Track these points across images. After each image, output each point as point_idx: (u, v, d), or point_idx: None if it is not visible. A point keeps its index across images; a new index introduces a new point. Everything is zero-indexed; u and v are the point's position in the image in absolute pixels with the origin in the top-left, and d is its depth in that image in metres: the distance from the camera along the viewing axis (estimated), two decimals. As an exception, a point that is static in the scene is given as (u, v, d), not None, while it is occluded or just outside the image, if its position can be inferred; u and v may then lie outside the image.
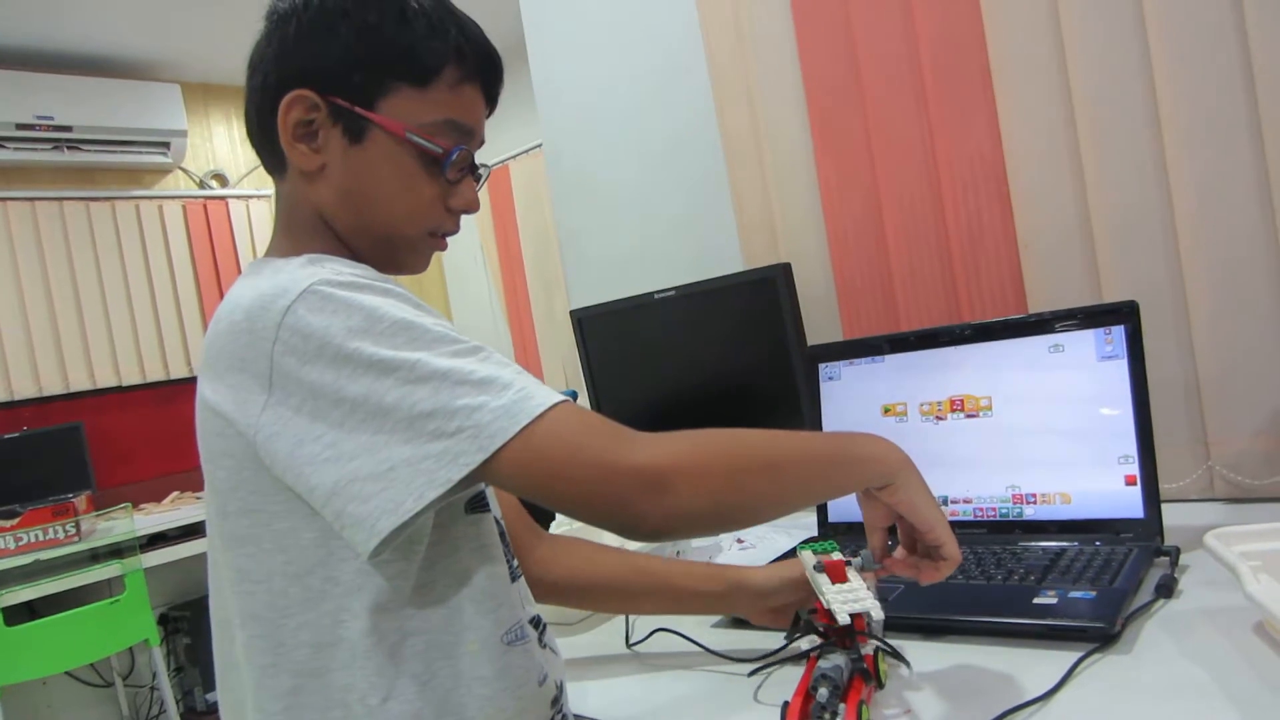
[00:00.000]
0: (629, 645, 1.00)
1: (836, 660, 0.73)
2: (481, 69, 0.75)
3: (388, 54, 0.70)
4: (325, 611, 0.65)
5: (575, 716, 0.83)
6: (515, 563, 0.76)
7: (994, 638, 0.85)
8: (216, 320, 0.67)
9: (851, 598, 0.72)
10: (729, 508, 0.65)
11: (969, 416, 1.13)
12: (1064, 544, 1.01)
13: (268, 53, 0.72)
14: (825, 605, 0.73)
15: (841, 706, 0.70)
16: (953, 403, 1.14)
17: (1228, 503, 1.16)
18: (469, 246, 4.40)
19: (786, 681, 0.83)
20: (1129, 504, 1.02)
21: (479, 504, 0.72)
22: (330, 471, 0.61)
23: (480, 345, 0.65)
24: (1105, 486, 1.03)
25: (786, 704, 0.71)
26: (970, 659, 0.81)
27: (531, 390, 0.62)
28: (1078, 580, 0.90)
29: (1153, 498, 1.01)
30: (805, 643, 0.82)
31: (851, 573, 0.77)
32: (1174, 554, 0.95)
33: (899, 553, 0.79)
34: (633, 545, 1.14)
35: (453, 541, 0.69)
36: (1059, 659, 0.77)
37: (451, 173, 0.73)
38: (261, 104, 0.73)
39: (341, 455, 0.61)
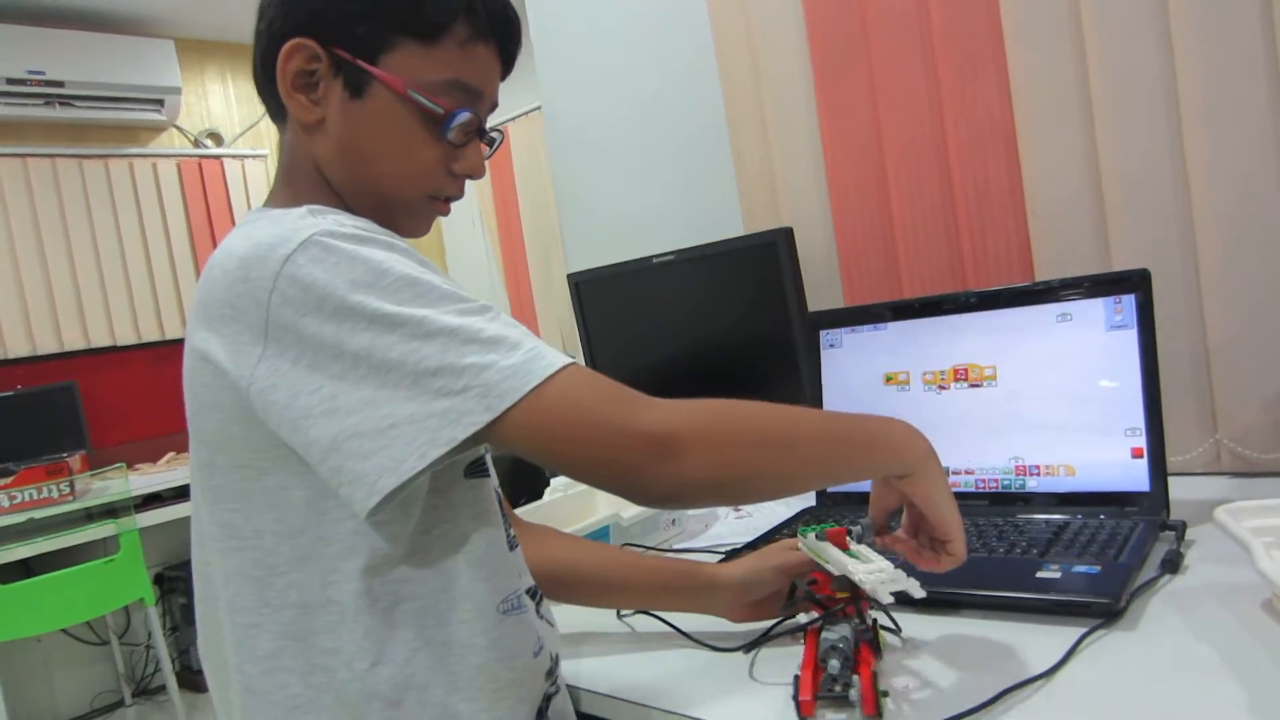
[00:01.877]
0: (619, 615, 0.99)
1: (842, 631, 0.72)
2: (495, 28, 0.71)
3: (393, 6, 0.68)
4: (315, 572, 0.63)
5: (569, 687, 0.82)
6: (513, 531, 0.74)
7: (996, 611, 0.83)
8: (209, 268, 0.64)
9: (885, 576, 0.70)
10: (739, 480, 0.63)
11: (973, 386, 1.11)
12: (1067, 517, 0.99)
13: None
14: (854, 579, 0.70)
15: (855, 678, 0.68)
16: (956, 372, 1.12)
17: (1234, 477, 1.14)
18: (467, 210, 4.35)
19: (780, 658, 0.81)
20: (1135, 477, 1.00)
21: (479, 468, 0.70)
22: (329, 426, 0.58)
23: (488, 305, 0.62)
24: (1111, 458, 1.01)
25: (797, 677, 0.69)
26: (971, 632, 0.80)
27: (541, 351, 0.60)
28: (1082, 554, 0.88)
29: (1159, 471, 0.98)
30: (803, 616, 0.80)
31: (853, 543, 0.75)
32: (1180, 528, 0.93)
33: (901, 534, 0.77)
34: (632, 510, 1.12)
35: (451, 506, 0.67)
36: (1062, 634, 0.76)
37: (454, 135, 0.71)
38: (266, 50, 0.70)
39: (340, 409, 0.58)
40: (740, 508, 1.32)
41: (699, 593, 0.88)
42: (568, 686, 0.81)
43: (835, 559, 0.73)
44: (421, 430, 0.57)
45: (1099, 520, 0.96)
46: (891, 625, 0.80)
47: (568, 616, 1.00)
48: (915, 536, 0.76)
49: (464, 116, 0.70)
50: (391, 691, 0.64)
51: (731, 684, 0.77)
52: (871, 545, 0.76)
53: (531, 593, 0.76)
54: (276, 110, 0.73)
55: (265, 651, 0.64)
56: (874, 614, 0.75)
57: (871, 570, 0.70)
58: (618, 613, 0.99)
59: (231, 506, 0.64)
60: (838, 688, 0.68)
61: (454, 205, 0.77)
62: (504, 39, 0.73)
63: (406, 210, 0.74)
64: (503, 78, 0.75)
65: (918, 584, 0.69)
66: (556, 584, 0.79)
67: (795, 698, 0.68)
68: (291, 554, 0.63)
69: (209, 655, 0.71)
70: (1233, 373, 1.12)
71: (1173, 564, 0.86)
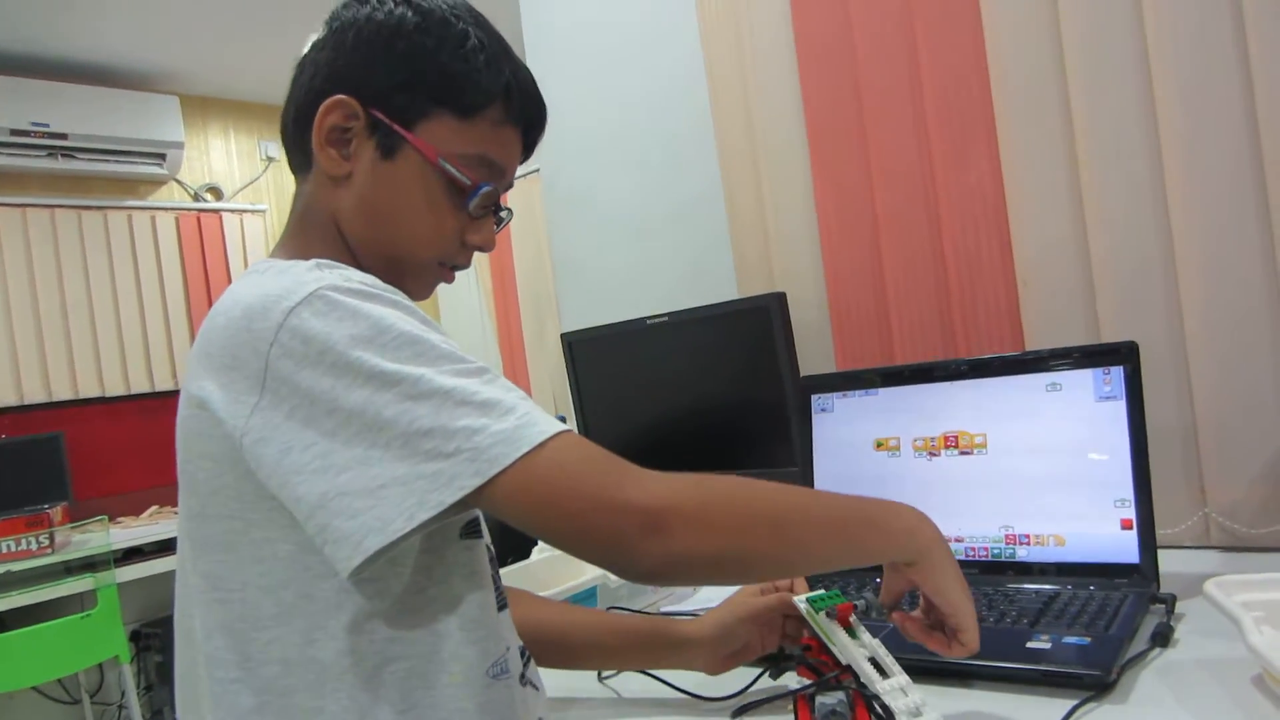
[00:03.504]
0: (600, 679, 0.97)
1: (838, 695, 0.71)
2: (526, 114, 0.75)
3: (438, 80, 0.70)
4: (298, 628, 0.62)
5: (550, 752, 0.80)
6: (503, 592, 0.74)
7: (985, 681, 0.82)
8: (213, 316, 0.65)
9: (911, 703, 0.68)
10: (729, 560, 0.62)
11: (963, 453, 1.11)
12: (1057, 587, 0.98)
13: (321, 56, 0.72)
14: (875, 691, 0.68)
15: None
16: (947, 439, 1.12)
17: (1223, 550, 1.14)
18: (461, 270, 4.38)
19: (771, 722, 0.80)
20: (1124, 548, 1.00)
21: (473, 529, 0.70)
22: (318, 483, 0.58)
23: (485, 367, 0.63)
24: (1100, 530, 1.01)
25: None
26: (960, 704, 0.79)
27: (535, 417, 0.60)
28: (1072, 625, 0.87)
29: (1149, 543, 0.99)
30: (793, 680, 0.79)
31: (854, 620, 0.75)
32: (1170, 601, 0.93)
33: (915, 614, 0.75)
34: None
35: (445, 566, 0.67)
36: (1053, 706, 0.75)
37: (475, 207, 0.73)
38: (303, 102, 0.72)
39: (331, 467, 0.58)
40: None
41: (674, 650, 0.87)
42: (552, 752, 0.79)
43: (846, 648, 0.71)
44: (410, 492, 0.57)
45: (1089, 591, 0.96)
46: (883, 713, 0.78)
47: (550, 680, 0.98)
48: (926, 614, 0.75)
49: (487, 189, 0.72)
50: None
51: (719, 752, 0.76)
52: (879, 619, 0.76)
53: (522, 653, 0.75)
54: (301, 161, 0.75)
55: (245, 708, 0.63)
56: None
57: (891, 689, 0.69)
58: (599, 675, 0.98)
59: (217, 558, 0.64)
60: None
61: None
62: (531, 125, 0.76)
63: (416, 273, 0.75)
64: (522, 161, 0.78)
65: (941, 717, 0.68)
66: (533, 647, 0.78)
67: None
68: (275, 609, 0.63)
69: (186, 713, 0.69)
70: (1221, 447, 1.13)
71: (1163, 637, 0.86)
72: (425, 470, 0.57)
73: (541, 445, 0.58)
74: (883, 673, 0.71)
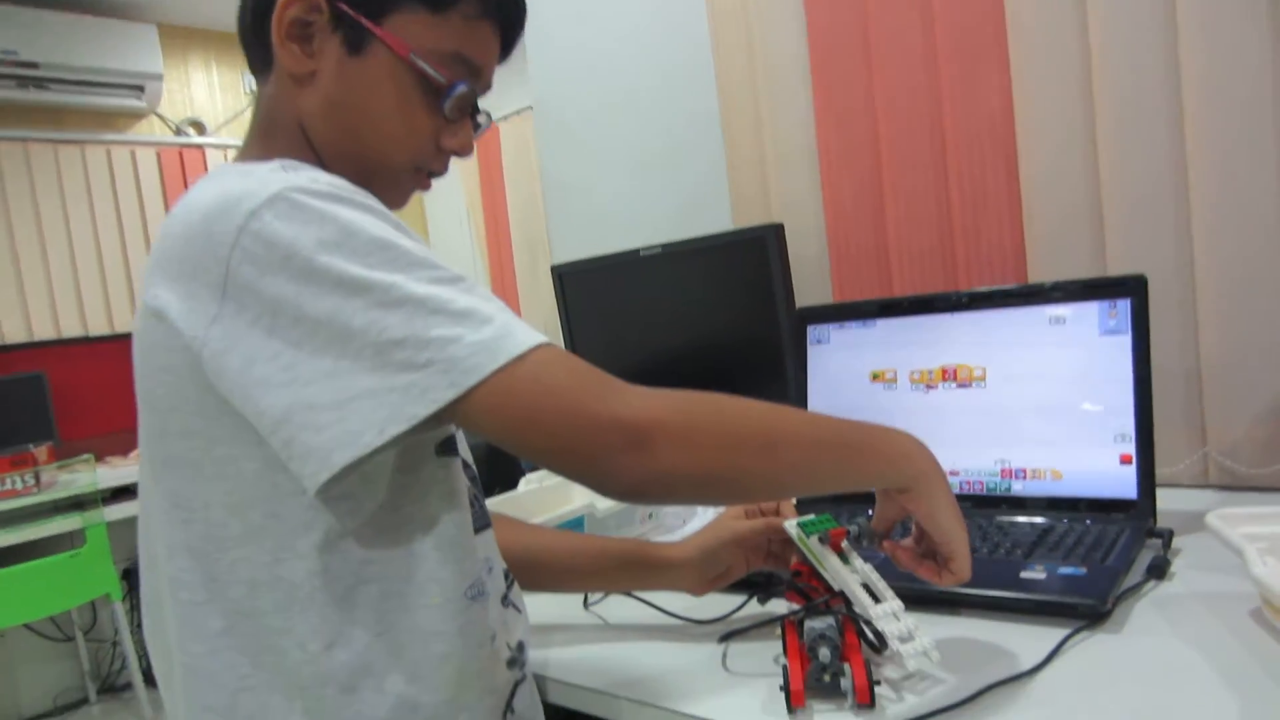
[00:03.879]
0: (586, 605, 0.96)
1: (828, 619, 0.69)
2: (503, 9, 0.70)
3: None
4: (266, 549, 0.60)
5: (536, 677, 0.79)
6: (484, 511, 0.71)
7: (977, 610, 0.80)
8: (169, 222, 0.61)
9: (904, 628, 0.67)
10: (715, 479, 0.59)
11: (961, 387, 1.09)
12: (1052, 521, 0.97)
13: None
14: (872, 620, 0.67)
15: (846, 666, 0.65)
16: (945, 372, 1.10)
17: (1220, 490, 1.13)
18: (454, 209, 4.31)
19: (752, 651, 0.79)
20: (1122, 484, 0.98)
21: (449, 447, 0.67)
22: (283, 396, 0.55)
23: (462, 275, 0.59)
24: (1099, 465, 0.99)
25: (785, 667, 0.66)
26: (952, 631, 0.77)
27: (514, 328, 0.57)
28: (1067, 556, 0.86)
29: (1148, 478, 0.97)
30: (782, 606, 0.77)
31: (846, 546, 0.73)
32: (1167, 536, 0.92)
33: (906, 542, 0.73)
34: (608, 502, 1.09)
35: (421, 485, 0.64)
36: (1047, 635, 0.73)
37: (451, 108, 0.68)
38: None
39: (297, 379, 0.55)
40: (719, 507, 1.30)
41: (657, 572, 0.85)
42: (535, 676, 0.78)
43: (839, 574, 0.70)
44: (381, 405, 0.54)
45: (1084, 525, 0.94)
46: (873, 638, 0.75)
47: (534, 606, 0.96)
48: (918, 543, 0.73)
49: (462, 89, 0.68)
50: (347, 677, 0.60)
51: (705, 676, 0.74)
52: (870, 547, 0.74)
53: (505, 575, 0.73)
54: (261, 60, 0.70)
55: (213, 631, 0.61)
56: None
57: (885, 614, 0.67)
58: (585, 601, 0.96)
59: (182, 475, 0.61)
60: (826, 677, 0.65)
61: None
62: (509, 22, 0.72)
63: (389, 179, 0.71)
64: (500, 62, 0.73)
65: (933, 644, 0.67)
66: (514, 569, 0.76)
67: (785, 688, 0.65)
68: (241, 529, 0.60)
69: (154, 637, 0.67)
70: (1224, 385, 1.11)
71: (1159, 570, 0.84)
72: (397, 382, 0.54)
73: (520, 357, 0.55)
74: (875, 599, 0.69)
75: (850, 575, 0.69)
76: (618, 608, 0.94)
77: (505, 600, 0.70)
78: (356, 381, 0.55)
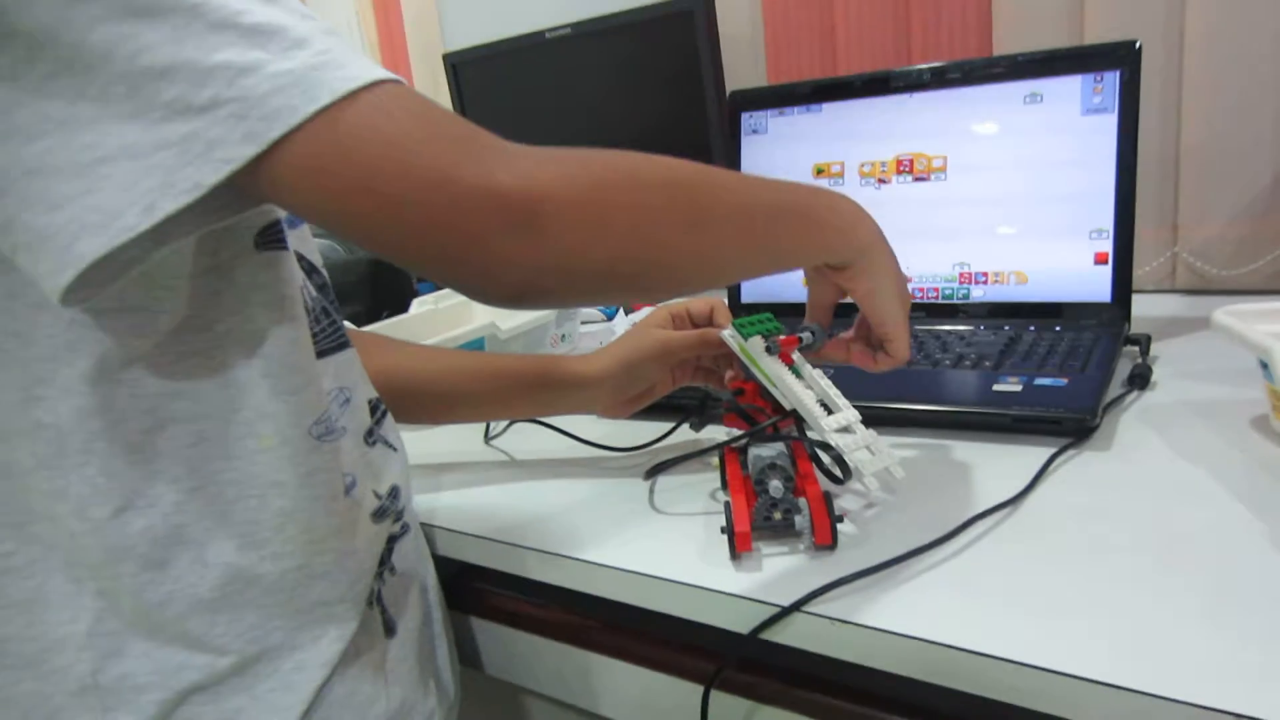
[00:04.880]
0: (487, 439, 0.82)
1: (777, 445, 0.56)
2: None
3: None
4: (12, 383, 0.43)
5: (424, 527, 0.65)
6: (339, 328, 0.55)
7: (946, 430, 0.69)
8: None
9: (858, 440, 0.55)
10: (630, 265, 0.43)
11: (918, 180, 0.94)
12: (1018, 329, 0.85)
13: None
14: (823, 441, 0.55)
15: (801, 501, 0.53)
16: (900, 163, 0.95)
17: (1188, 294, 1.03)
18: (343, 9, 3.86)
19: (683, 485, 0.66)
20: (1095, 286, 0.86)
21: (273, 236, 0.48)
22: None
23: None
24: (1070, 265, 0.87)
25: (728, 504, 0.53)
26: (923, 454, 0.66)
27: (341, 56, 0.38)
28: (1041, 366, 0.74)
29: (1124, 279, 0.85)
30: (721, 434, 0.65)
31: (796, 358, 0.59)
32: (1144, 343, 0.81)
33: (844, 335, 0.62)
34: (514, 320, 0.93)
35: (238, 291, 0.46)
36: (1026, 455, 0.63)
37: None
38: None
39: (16, 131, 0.36)
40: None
41: (564, 392, 0.71)
42: (422, 526, 0.64)
43: (791, 391, 0.56)
44: (147, 169, 0.36)
45: (1054, 332, 0.83)
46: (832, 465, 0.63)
47: (425, 444, 0.82)
48: (857, 332, 0.62)
49: None
50: (150, 548, 0.45)
51: (630, 518, 0.61)
52: (813, 350, 0.60)
53: (373, 407, 0.57)
54: None
55: None
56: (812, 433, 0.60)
57: (838, 424, 0.54)
58: (485, 434, 0.82)
59: None
60: (777, 515, 0.53)
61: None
62: None
63: None
64: None
65: (898, 460, 0.55)
66: (391, 399, 0.61)
67: (728, 530, 0.52)
68: None
69: None
70: (1203, 177, 0.99)
71: (1142, 379, 0.74)
72: (168, 134, 0.36)
73: (351, 96, 0.37)
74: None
75: (804, 391, 0.56)
76: (525, 440, 0.81)
77: (371, 437, 0.55)
78: (107, 134, 0.36)
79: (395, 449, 0.59)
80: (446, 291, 1.14)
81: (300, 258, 0.52)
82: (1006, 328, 0.86)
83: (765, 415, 0.60)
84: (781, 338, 0.58)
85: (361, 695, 0.52)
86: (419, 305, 1.09)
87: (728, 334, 0.60)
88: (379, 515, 0.54)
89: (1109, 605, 0.44)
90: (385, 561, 0.56)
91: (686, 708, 0.55)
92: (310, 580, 0.49)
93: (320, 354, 0.51)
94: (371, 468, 0.54)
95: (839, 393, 0.58)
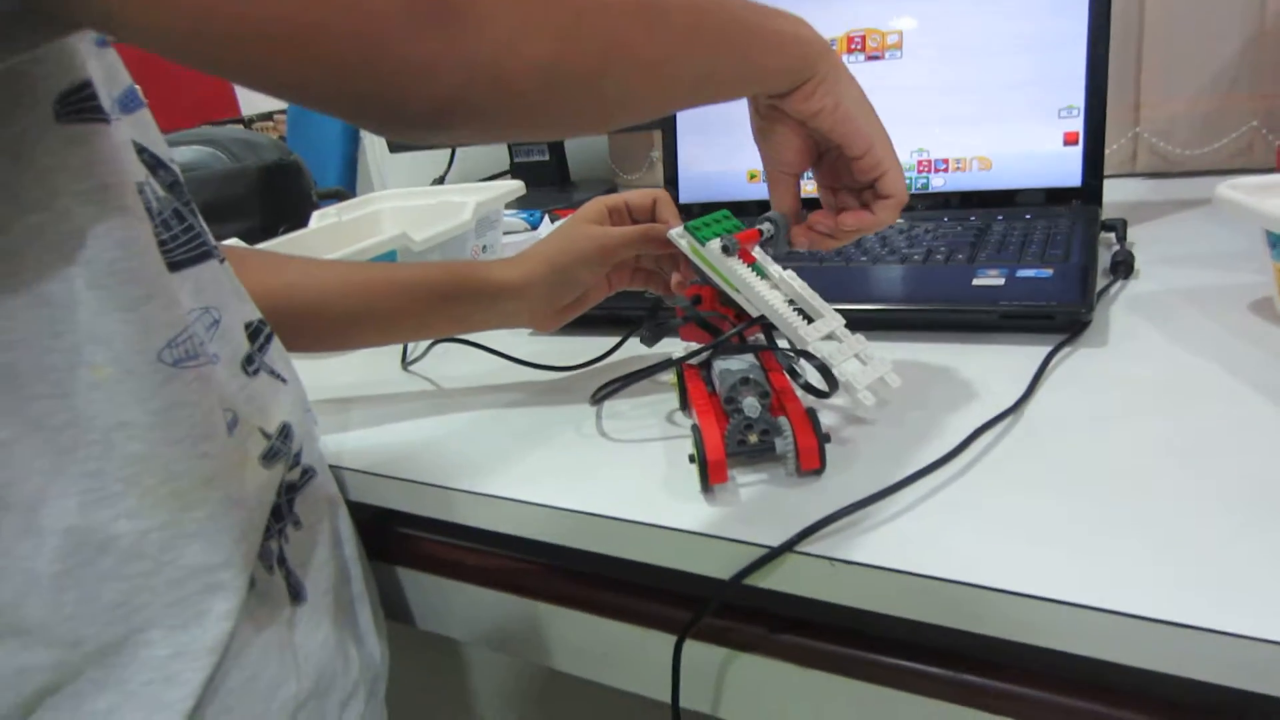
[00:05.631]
0: (405, 365, 0.72)
1: (746, 358, 0.48)
2: None
3: None
4: None
5: (333, 469, 0.56)
6: (201, 237, 0.44)
7: (922, 332, 0.62)
8: None
9: (845, 348, 0.46)
10: (579, 62, 0.34)
11: (871, 59, 0.85)
12: (984, 219, 0.78)
13: None
14: (802, 349, 0.46)
15: (782, 421, 0.45)
16: (851, 40, 0.86)
17: (1150, 178, 0.98)
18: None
19: (643, 409, 0.58)
20: (1065, 169, 0.80)
21: (80, 106, 0.36)
22: None
23: None
24: (1038, 147, 0.80)
25: (697, 428, 0.45)
26: (901, 360, 0.58)
27: None
28: (1019, 257, 0.68)
29: (1096, 160, 0.79)
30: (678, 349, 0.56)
31: (758, 254, 0.50)
32: (1121, 228, 0.75)
33: (817, 212, 0.53)
34: (428, 231, 0.82)
35: (37, 175, 0.34)
36: (1015, 356, 0.56)
37: None
38: None
39: None
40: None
41: (485, 303, 0.60)
42: (332, 470, 0.55)
43: (756, 293, 0.47)
44: None
45: (1024, 221, 0.76)
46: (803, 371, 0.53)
47: (332, 375, 0.72)
48: (832, 196, 0.53)
49: None
50: None
51: (578, 449, 0.53)
52: (777, 243, 0.52)
53: (254, 331, 0.47)
54: None
55: None
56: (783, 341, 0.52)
57: (820, 332, 0.46)
58: (403, 360, 0.72)
59: None
60: (753, 438, 0.45)
61: None
62: None
63: None
64: None
65: (892, 367, 0.47)
66: (281, 322, 0.50)
67: (698, 458, 0.44)
68: None
69: None
70: (1168, 51, 0.93)
71: (1126, 266, 0.68)
72: None
73: None
74: (808, 320, 0.48)
75: (772, 293, 0.48)
76: (449, 363, 0.71)
77: (250, 365, 0.45)
78: None
79: (285, 380, 0.49)
80: (352, 202, 1.02)
81: (141, 150, 0.41)
82: (973, 218, 0.79)
83: (729, 324, 0.52)
84: (740, 232, 0.49)
85: (265, 679, 0.43)
86: (320, 219, 0.96)
87: (676, 233, 0.51)
88: (270, 458, 0.44)
89: (1139, 526, 0.38)
90: (285, 515, 0.46)
91: (654, 659, 0.48)
92: (181, 542, 0.39)
93: (174, 266, 0.40)
94: (255, 402, 0.44)
95: (814, 293, 0.50)
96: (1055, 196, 0.80)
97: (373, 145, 1.76)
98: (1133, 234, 0.78)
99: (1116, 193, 0.92)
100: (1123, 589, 0.34)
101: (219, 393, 0.41)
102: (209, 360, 0.40)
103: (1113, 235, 0.75)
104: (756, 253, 0.50)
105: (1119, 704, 0.36)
